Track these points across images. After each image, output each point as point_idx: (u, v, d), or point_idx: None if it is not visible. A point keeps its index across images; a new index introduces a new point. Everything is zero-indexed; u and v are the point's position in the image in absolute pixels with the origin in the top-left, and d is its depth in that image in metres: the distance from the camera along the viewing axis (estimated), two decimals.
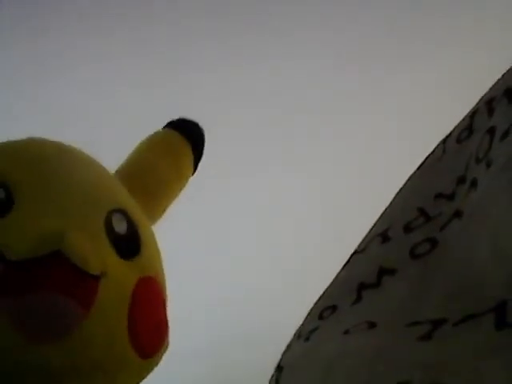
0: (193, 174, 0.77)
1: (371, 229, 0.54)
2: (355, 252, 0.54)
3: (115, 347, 0.59)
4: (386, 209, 0.55)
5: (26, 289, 0.55)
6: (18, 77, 1.49)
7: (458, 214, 0.48)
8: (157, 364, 0.64)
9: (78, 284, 0.56)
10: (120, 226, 0.63)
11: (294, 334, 0.53)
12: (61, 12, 1.49)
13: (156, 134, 0.76)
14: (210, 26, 1.45)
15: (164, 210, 0.74)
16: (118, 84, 1.44)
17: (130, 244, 0.63)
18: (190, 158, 0.76)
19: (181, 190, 0.75)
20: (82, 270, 0.56)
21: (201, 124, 0.78)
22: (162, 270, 0.68)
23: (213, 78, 1.42)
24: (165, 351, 0.65)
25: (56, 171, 0.64)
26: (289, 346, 0.53)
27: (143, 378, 0.64)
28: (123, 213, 0.64)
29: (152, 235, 0.69)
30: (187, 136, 0.76)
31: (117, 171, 0.72)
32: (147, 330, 0.62)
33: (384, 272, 0.50)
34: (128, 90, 1.43)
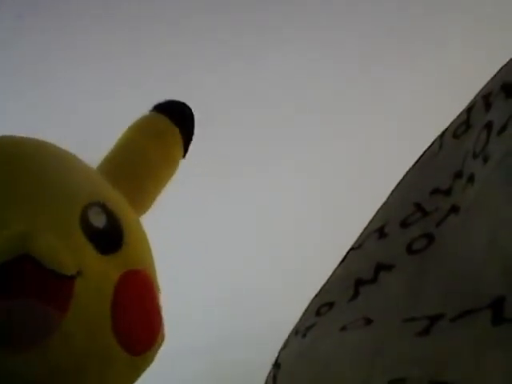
0: (183, 157, 0.75)
1: (368, 225, 0.54)
2: (352, 248, 0.54)
3: (98, 346, 0.57)
4: (382, 205, 0.55)
5: None
6: (17, 77, 1.49)
7: (454, 210, 0.48)
8: (152, 359, 0.63)
9: (50, 286, 0.54)
10: (98, 220, 0.60)
11: (292, 331, 0.53)
12: (61, 12, 1.49)
13: (143, 118, 0.74)
14: (210, 26, 1.45)
15: (153, 199, 0.72)
16: (117, 84, 1.44)
17: (111, 238, 0.61)
18: (179, 142, 0.73)
19: (170, 176, 0.73)
20: (54, 272, 0.54)
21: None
22: (152, 262, 0.65)
23: (213, 78, 1.42)
24: (159, 346, 0.63)
25: (27, 170, 0.61)
26: (286, 343, 0.53)
27: (139, 375, 0.63)
28: (101, 205, 0.61)
29: (138, 226, 0.66)
30: (175, 119, 0.73)
31: (104, 158, 0.70)
32: (135, 326, 0.60)
33: (381, 268, 0.50)
34: (128, 90, 1.42)
